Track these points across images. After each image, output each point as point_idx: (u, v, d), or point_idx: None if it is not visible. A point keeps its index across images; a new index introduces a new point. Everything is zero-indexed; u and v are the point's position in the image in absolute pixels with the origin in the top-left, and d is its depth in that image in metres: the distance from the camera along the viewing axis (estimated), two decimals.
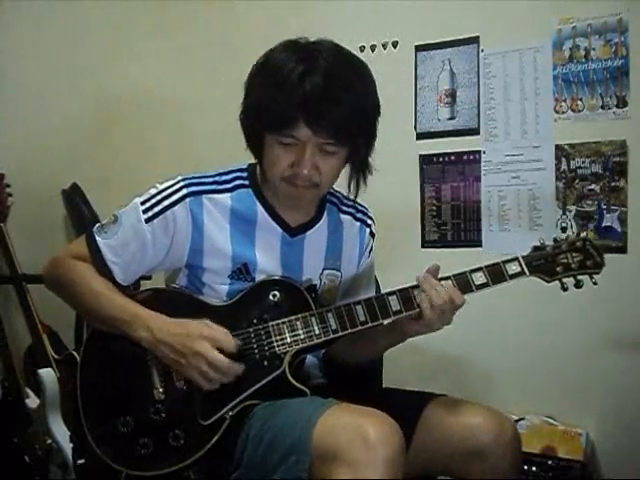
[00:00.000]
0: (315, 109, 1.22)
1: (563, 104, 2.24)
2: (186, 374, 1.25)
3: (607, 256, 1.35)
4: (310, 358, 1.45)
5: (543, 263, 1.33)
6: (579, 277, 1.33)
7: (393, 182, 2.36)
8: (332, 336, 1.31)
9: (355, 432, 1.08)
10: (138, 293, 1.39)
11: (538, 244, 1.35)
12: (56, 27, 2.72)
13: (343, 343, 1.45)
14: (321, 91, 1.22)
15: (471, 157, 2.39)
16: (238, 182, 1.40)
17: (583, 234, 1.36)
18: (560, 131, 2.24)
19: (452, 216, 2.42)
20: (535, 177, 2.28)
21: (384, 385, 1.64)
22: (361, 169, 1.38)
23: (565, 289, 1.33)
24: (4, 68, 2.58)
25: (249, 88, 1.32)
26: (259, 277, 1.36)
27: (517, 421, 2.11)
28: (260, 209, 1.39)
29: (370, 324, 1.31)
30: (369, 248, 1.55)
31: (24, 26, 2.63)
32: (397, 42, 2.48)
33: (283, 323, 1.31)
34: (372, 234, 1.55)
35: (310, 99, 1.22)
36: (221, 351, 1.23)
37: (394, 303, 1.31)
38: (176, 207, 1.33)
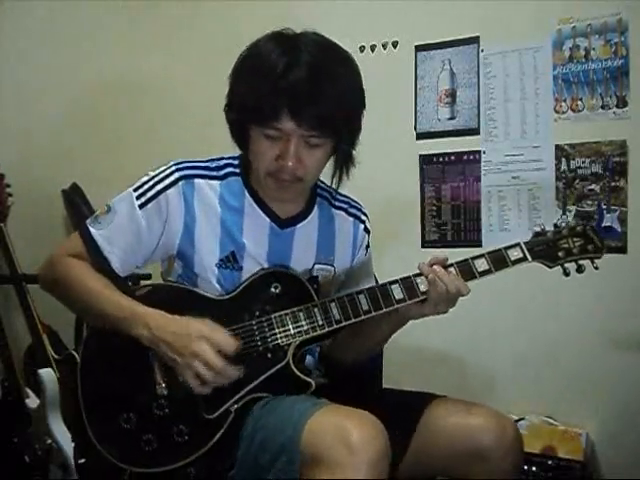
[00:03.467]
0: (299, 101, 1.22)
1: (563, 104, 2.24)
2: (181, 374, 1.24)
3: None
4: (309, 358, 1.45)
5: (545, 248, 1.33)
6: (580, 262, 1.33)
7: (393, 182, 2.36)
8: (335, 326, 1.31)
9: (338, 435, 1.08)
10: (138, 289, 1.39)
11: (539, 230, 1.35)
12: (56, 27, 2.73)
13: (344, 339, 1.44)
14: (305, 83, 1.22)
15: (471, 157, 2.39)
16: (229, 170, 1.40)
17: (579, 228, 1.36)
18: (560, 131, 2.24)
19: (452, 216, 2.42)
20: (535, 177, 2.28)
21: (384, 385, 1.64)
22: (344, 162, 1.38)
23: (567, 274, 1.33)
24: (4, 68, 2.58)
25: (233, 80, 1.32)
26: (246, 265, 1.36)
27: (517, 421, 2.10)
28: (249, 199, 1.39)
29: (373, 313, 1.31)
30: (364, 244, 1.54)
31: (23, 27, 2.63)
32: (397, 42, 2.48)
33: (286, 315, 1.31)
34: (367, 230, 1.54)
35: (294, 91, 1.21)
36: (220, 352, 1.22)
37: (397, 292, 1.31)
38: (169, 190, 1.34)
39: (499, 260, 1.31)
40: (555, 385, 2.22)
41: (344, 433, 1.08)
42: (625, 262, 2.09)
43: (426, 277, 1.30)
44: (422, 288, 1.31)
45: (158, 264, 1.47)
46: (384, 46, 2.49)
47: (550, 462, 2.08)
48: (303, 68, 1.22)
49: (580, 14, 2.21)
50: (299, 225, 1.42)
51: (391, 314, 1.38)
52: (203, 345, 1.21)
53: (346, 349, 1.50)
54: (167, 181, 1.35)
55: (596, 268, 1.33)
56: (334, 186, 1.43)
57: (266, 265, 1.37)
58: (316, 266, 1.45)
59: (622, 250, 2.14)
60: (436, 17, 2.42)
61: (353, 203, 1.53)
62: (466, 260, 1.32)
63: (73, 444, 1.45)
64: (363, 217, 1.54)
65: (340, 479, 1.05)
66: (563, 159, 2.24)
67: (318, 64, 1.24)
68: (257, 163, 1.32)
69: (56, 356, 2.30)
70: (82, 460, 1.48)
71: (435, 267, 1.31)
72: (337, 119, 1.27)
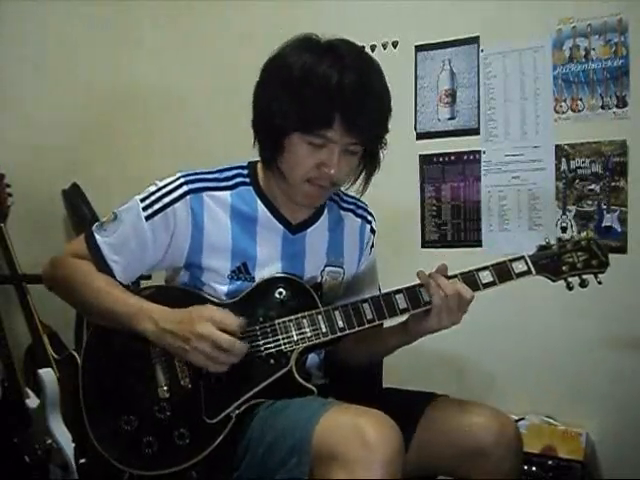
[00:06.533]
0: (351, 111, 1.24)
1: (563, 104, 2.25)
2: (193, 360, 1.24)
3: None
4: (312, 358, 1.45)
5: (549, 262, 1.33)
6: (584, 276, 1.33)
7: (393, 182, 2.35)
8: (339, 334, 1.31)
9: (354, 432, 1.08)
10: (142, 290, 1.39)
11: (544, 243, 1.35)
12: (56, 27, 2.72)
13: (349, 343, 1.45)
14: (356, 93, 1.24)
15: (471, 157, 2.39)
16: (239, 179, 1.40)
17: (583, 234, 1.37)
18: (560, 131, 2.25)
19: (452, 216, 2.42)
20: (535, 177, 2.28)
21: (384, 385, 1.64)
22: (372, 166, 1.39)
23: (570, 288, 1.33)
24: (3, 68, 2.58)
25: (272, 89, 1.30)
26: (259, 275, 1.36)
27: (517, 421, 2.10)
28: (261, 207, 1.39)
29: (377, 322, 1.32)
30: (370, 244, 1.55)
31: (23, 26, 2.63)
32: (397, 42, 2.48)
33: (290, 321, 1.31)
34: (373, 230, 1.55)
35: (346, 101, 1.23)
36: (225, 332, 1.22)
37: (401, 301, 1.32)
38: (177, 204, 1.33)
39: (503, 273, 1.32)
40: (555, 385, 2.23)
41: (359, 431, 1.08)
42: (625, 262, 2.09)
43: (423, 284, 1.30)
44: (426, 298, 1.31)
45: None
46: (384, 46, 2.49)
47: (550, 462, 2.08)
48: (353, 79, 1.24)
49: (580, 14, 2.21)
50: (310, 229, 1.43)
51: (399, 332, 1.39)
52: (208, 326, 1.21)
53: (350, 353, 1.50)
54: (175, 194, 1.33)
55: (599, 283, 1.33)
56: (360, 190, 1.43)
57: (281, 272, 1.37)
58: (327, 268, 1.45)
59: (622, 250, 2.14)
60: (436, 17, 2.43)
61: (360, 204, 1.54)
62: (470, 271, 1.32)
63: (73, 444, 1.45)
64: (370, 217, 1.55)
65: (357, 477, 1.04)
66: (563, 159, 2.24)
67: (364, 74, 1.27)
68: (294, 170, 1.31)
69: (56, 356, 2.29)
70: (82, 460, 1.48)
71: (433, 274, 1.31)
72: (380, 127, 1.31)
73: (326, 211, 1.46)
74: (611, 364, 2.14)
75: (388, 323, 1.39)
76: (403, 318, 1.36)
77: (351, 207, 1.52)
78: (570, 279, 1.33)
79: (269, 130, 1.31)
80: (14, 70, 2.59)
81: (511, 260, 1.33)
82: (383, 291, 1.38)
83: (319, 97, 1.23)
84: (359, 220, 1.52)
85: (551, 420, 2.20)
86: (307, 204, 1.39)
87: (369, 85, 1.27)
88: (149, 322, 1.25)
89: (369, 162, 1.39)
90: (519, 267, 1.32)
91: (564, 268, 1.33)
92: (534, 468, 2.07)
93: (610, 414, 2.16)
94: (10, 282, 2.37)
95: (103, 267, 1.34)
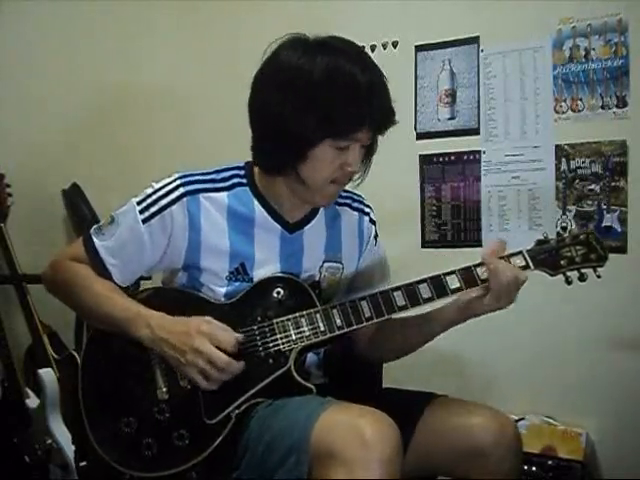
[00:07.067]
0: (377, 107, 1.26)
1: (563, 104, 2.24)
2: (186, 372, 1.25)
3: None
4: (311, 357, 1.45)
5: (547, 257, 1.32)
6: (583, 270, 1.32)
7: (393, 182, 2.36)
8: (337, 332, 1.31)
9: (352, 431, 1.08)
10: (140, 292, 1.39)
11: (542, 238, 1.35)
12: (56, 26, 2.72)
13: (392, 328, 1.43)
14: (378, 92, 1.26)
15: (471, 157, 2.39)
16: (236, 180, 1.39)
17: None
18: (560, 131, 2.24)
19: (452, 216, 2.42)
20: (535, 177, 2.28)
21: (384, 385, 1.64)
22: (374, 149, 1.39)
23: (569, 283, 1.32)
24: (4, 68, 2.58)
25: (292, 100, 1.24)
26: (257, 276, 1.36)
27: (517, 421, 2.10)
28: (258, 207, 1.38)
29: (375, 320, 1.31)
30: (372, 235, 1.54)
31: (24, 25, 2.63)
32: (397, 42, 2.48)
33: (288, 320, 1.31)
34: (372, 221, 1.54)
35: (373, 98, 1.25)
36: (221, 349, 1.23)
37: (399, 299, 1.31)
38: (174, 207, 1.32)
39: None
40: (555, 385, 2.22)
41: (358, 430, 1.08)
42: (625, 262, 2.09)
43: (488, 267, 1.29)
44: (425, 295, 1.31)
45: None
46: (384, 46, 2.49)
47: (550, 462, 2.08)
48: (373, 78, 1.25)
49: (580, 14, 2.21)
50: (307, 227, 1.43)
51: (450, 310, 1.36)
52: (204, 342, 1.22)
53: (390, 347, 1.48)
54: (171, 196, 1.33)
55: (598, 277, 1.32)
56: (363, 177, 1.42)
57: (279, 272, 1.37)
58: (325, 264, 1.45)
59: (622, 250, 2.14)
60: (436, 17, 2.42)
61: (356, 197, 1.53)
62: (468, 267, 1.32)
63: (74, 447, 1.46)
64: (367, 209, 1.54)
65: (356, 476, 1.04)
66: (563, 159, 2.24)
67: (374, 67, 1.28)
68: (320, 173, 1.30)
69: (56, 356, 2.30)
70: (83, 463, 1.48)
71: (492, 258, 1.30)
72: (394, 117, 1.31)
73: (322, 208, 1.46)
74: (611, 364, 2.14)
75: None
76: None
77: (347, 201, 1.51)
78: (569, 273, 1.32)
79: (294, 141, 1.26)
80: (14, 70, 2.59)
81: (509, 255, 1.32)
82: (381, 288, 1.36)
83: (349, 100, 1.23)
84: (356, 213, 1.52)
85: (551, 420, 2.20)
86: (325, 204, 1.40)
87: (381, 77, 1.28)
88: (146, 328, 1.26)
89: (371, 150, 1.38)
90: (517, 262, 1.31)
91: (562, 262, 1.32)
92: (534, 468, 2.07)
93: (610, 414, 2.15)
94: (10, 282, 2.38)
95: (101, 270, 1.34)
